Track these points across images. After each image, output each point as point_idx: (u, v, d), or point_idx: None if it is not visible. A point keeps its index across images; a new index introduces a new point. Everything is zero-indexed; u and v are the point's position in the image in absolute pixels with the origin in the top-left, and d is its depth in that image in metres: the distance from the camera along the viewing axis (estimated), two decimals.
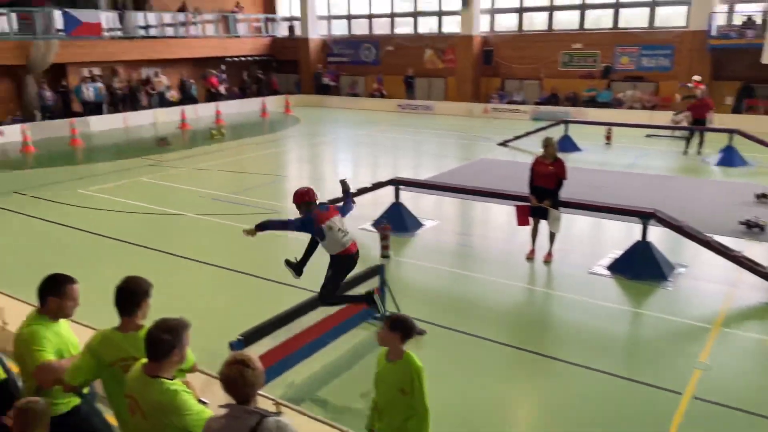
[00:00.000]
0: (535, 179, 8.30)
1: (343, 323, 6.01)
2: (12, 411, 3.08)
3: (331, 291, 5.60)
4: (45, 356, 3.36)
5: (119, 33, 23.05)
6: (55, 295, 3.48)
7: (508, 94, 24.43)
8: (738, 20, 20.64)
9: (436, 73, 26.21)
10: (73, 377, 3.30)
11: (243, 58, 28.29)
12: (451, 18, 25.73)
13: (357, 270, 6.70)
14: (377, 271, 6.48)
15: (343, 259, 5.53)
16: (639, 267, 7.82)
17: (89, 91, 21.26)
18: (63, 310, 3.52)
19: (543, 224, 8.41)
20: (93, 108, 21.41)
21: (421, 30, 26.96)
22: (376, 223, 9.77)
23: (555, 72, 23.65)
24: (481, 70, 25.03)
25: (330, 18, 29.32)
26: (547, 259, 8.43)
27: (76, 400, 3.58)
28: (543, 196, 8.19)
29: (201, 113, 23.74)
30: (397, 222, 9.53)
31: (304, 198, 5.54)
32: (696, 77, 19.97)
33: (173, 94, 24.36)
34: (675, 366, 5.77)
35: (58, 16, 20.94)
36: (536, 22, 24.60)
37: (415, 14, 26.88)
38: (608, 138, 17.63)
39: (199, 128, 21.27)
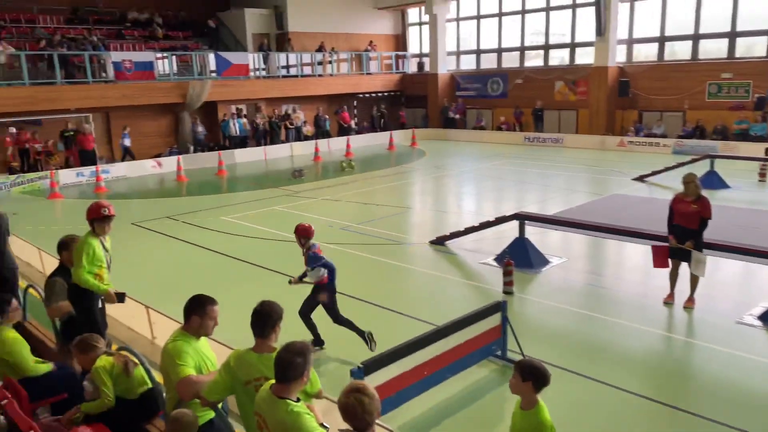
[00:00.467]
0: (675, 218, 7.73)
1: (463, 359, 5.92)
2: (165, 419, 3.41)
3: (335, 312, 6.84)
4: (187, 371, 3.65)
5: (263, 73, 25.02)
6: (198, 314, 3.78)
7: (647, 127, 23.12)
8: None
9: (567, 106, 25.49)
10: (211, 393, 3.55)
11: (373, 94, 29.43)
12: (584, 49, 25.02)
13: (479, 305, 6.62)
14: (498, 307, 6.33)
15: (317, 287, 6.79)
16: None
17: (235, 126, 23.17)
18: (204, 328, 3.82)
19: (684, 267, 7.78)
20: (238, 141, 23.27)
21: (552, 62, 26.46)
22: (499, 258, 9.60)
23: (701, 103, 22.06)
24: (617, 102, 23.98)
25: (459, 53, 29.72)
26: (689, 305, 7.76)
27: (210, 414, 3.84)
28: (684, 236, 7.60)
29: (333, 146, 24.95)
30: (521, 257, 9.29)
31: (307, 233, 6.73)
32: None
33: (309, 129, 25.84)
34: None
35: (211, 59, 23.21)
36: (678, 51, 23.20)
37: (547, 47, 26.47)
38: (763, 175, 16.04)
39: (330, 161, 22.32)
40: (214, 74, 23.16)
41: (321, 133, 25.91)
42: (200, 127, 22.79)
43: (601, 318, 7.69)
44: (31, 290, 6.23)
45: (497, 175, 18.46)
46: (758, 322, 7.24)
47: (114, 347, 4.92)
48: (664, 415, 5.50)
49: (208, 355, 3.90)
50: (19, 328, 5.03)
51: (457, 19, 29.34)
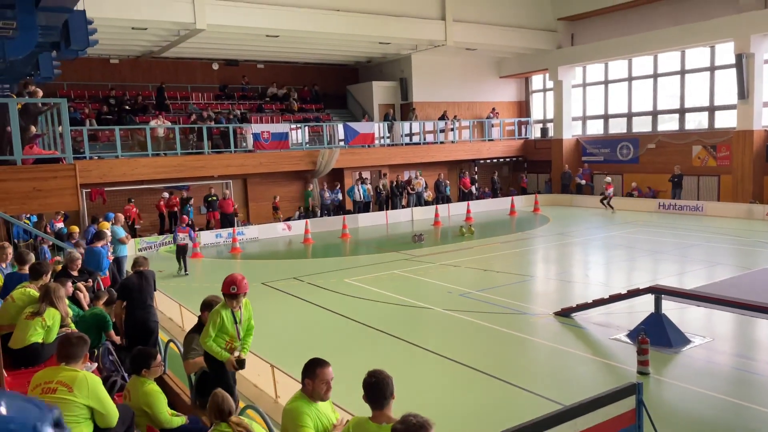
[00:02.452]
0: None
1: None
2: None
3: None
4: (309, 431, 3.69)
5: (387, 141, 26.03)
6: (309, 377, 3.85)
7: None
8: None
9: (707, 171, 23.80)
10: None
11: (495, 160, 29.43)
12: (725, 112, 23.48)
13: (610, 385, 6.14)
14: (633, 389, 5.81)
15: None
16: None
17: (359, 192, 24.09)
18: (317, 391, 3.85)
19: None
20: (362, 206, 24.12)
21: (689, 126, 25.03)
22: (632, 334, 8.91)
23: None
24: (764, 168, 22.02)
25: (585, 118, 29.08)
26: None
27: None
28: None
29: (453, 211, 25.05)
30: (657, 335, 8.55)
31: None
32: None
33: (429, 194, 26.23)
34: None
35: (340, 128, 24.62)
36: None
37: (682, 110, 25.15)
38: None
39: (450, 226, 22.37)
40: (342, 143, 24.48)
41: (441, 198, 26.18)
42: (327, 192, 23.94)
43: (754, 408, 6.81)
44: (171, 344, 6.71)
45: (628, 244, 17.42)
46: None
47: (241, 405, 5.12)
48: None
49: (329, 417, 3.92)
50: (159, 380, 5.40)
51: (584, 85, 28.87)
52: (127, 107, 22.69)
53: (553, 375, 8.15)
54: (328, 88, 28.91)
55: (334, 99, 28.84)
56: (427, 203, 25.65)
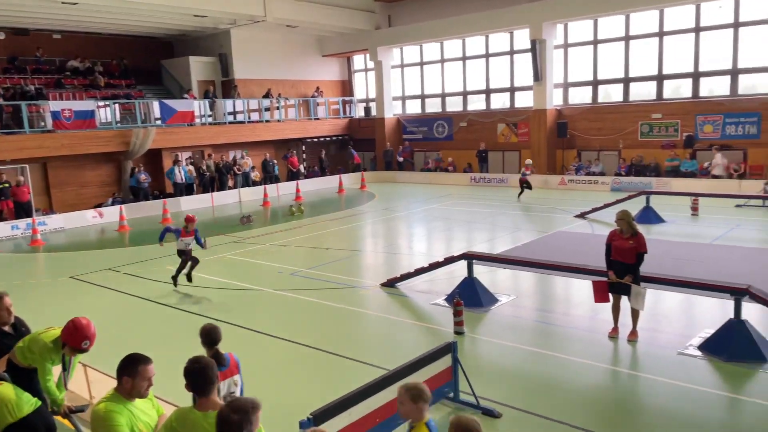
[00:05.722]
0: (613, 254, 7.99)
1: None
2: None
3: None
4: (123, 430, 3.46)
5: (209, 119, 24.91)
6: (129, 374, 3.61)
7: (586, 166, 24.07)
8: None
9: (510, 147, 26.34)
10: None
11: (322, 139, 29.69)
12: (523, 93, 26.09)
13: (431, 347, 6.61)
14: (449, 348, 6.33)
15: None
16: (734, 347, 7.23)
17: (180, 173, 22.80)
18: (136, 389, 3.63)
19: (625, 301, 8.02)
20: (184, 189, 22.88)
21: (494, 106, 27.41)
22: (449, 298, 9.66)
23: (634, 142, 23.18)
24: (556, 143, 24.94)
25: (404, 98, 30.44)
26: (632, 338, 7.97)
27: None
28: (622, 271, 7.85)
29: (282, 191, 24.85)
30: (470, 297, 9.37)
31: (192, 220, 11.59)
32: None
33: (257, 175, 25.71)
34: None
35: (156, 106, 22.97)
36: (611, 93, 24.45)
37: (488, 91, 27.43)
38: (695, 209, 16.85)
39: (279, 206, 22.19)
40: (159, 122, 22.89)
41: (270, 178, 25.82)
42: (143, 175, 22.31)
43: (551, 355, 7.78)
44: None
45: (446, 216, 18.73)
46: (698, 353, 7.48)
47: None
48: None
49: (143, 414, 3.71)
50: None
51: (402, 66, 30.15)
52: None
53: (380, 343, 8.55)
54: (139, 62, 26.78)
55: (146, 74, 26.80)
56: (255, 184, 25.14)
